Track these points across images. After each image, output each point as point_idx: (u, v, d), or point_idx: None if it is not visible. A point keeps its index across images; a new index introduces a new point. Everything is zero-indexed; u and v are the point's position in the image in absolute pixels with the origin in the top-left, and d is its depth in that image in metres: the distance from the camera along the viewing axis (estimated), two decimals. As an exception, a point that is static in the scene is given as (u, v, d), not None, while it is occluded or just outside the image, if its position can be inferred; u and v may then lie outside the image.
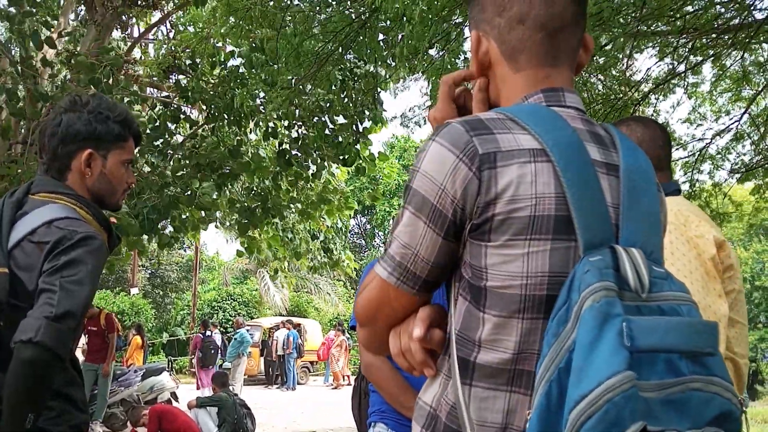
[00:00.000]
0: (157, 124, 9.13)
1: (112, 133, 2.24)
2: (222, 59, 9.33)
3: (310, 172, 9.83)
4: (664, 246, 1.17)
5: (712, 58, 7.81)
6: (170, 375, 13.50)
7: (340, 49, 6.83)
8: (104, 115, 2.22)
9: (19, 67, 7.97)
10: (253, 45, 8.19)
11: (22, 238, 2.04)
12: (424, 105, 8.04)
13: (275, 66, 7.29)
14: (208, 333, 17.75)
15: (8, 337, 1.90)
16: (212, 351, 17.03)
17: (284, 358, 22.05)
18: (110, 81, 7.57)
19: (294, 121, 9.34)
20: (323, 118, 9.34)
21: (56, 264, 1.97)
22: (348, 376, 23.11)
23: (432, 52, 6.84)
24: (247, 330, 19.47)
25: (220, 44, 9.15)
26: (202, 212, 9.75)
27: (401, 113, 8.71)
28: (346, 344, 22.63)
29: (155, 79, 10.13)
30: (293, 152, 9.61)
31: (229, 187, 9.87)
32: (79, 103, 2.22)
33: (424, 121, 8.22)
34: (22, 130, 8.22)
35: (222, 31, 7.18)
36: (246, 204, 10.16)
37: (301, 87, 7.91)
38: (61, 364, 1.94)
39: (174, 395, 12.59)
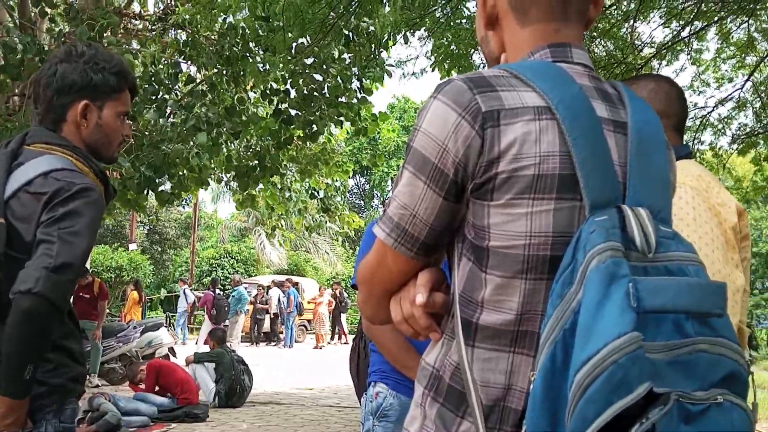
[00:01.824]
0: (153, 79, 9.03)
1: (108, 84, 2.20)
2: (221, 12, 9.21)
3: (311, 131, 9.75)
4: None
5: (717, 23, 7.73)
6: (168, 331, 13.58)
7: (343, 9, 6.74)
8: (100, 65, 2.18)
9: (18, 20, 7.88)
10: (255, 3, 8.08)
11: (18, 189, 2.02)
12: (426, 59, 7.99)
13: (275, 24, 7.20)
14: (218, 291, 18.01)
15: (6, 289, 1.90)
16: (225, 308, 17.36)
17: (280, 317, 22.21)
18: (106, 36, 7.48)
19: (296, 80, 9.24)
20: (325, 79, 9.25)
21: (54, 215, 1.96)
22: (346, 334, 23.24)
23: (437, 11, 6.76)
24: (245, 288, 19.60)
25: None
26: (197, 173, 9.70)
27: (399, 63, 8.67)
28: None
29: (153, 34, 10.01)
30: (293, 112, 9.54)
31: (227, 145, 9.82)
32: (74, 54, 2.18)
33: (422, 72, 8.17)
34: (19, 83, 8.14)
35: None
36: (244, 163, 10.12)
37: (304, 49, 7.83)
38: (59, 316, 1.94)
39: (171, 350, 12.68)
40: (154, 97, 8.75)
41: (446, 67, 7.08)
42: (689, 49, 8.38)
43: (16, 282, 1.87)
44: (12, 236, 1.97)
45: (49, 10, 7.95)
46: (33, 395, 1.94)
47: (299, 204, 12.36)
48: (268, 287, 23.16)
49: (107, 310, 13.41)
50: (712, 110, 9.23)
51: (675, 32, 7.90)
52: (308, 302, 23.08)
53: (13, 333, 1.86)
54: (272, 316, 22.60)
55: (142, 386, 9.33)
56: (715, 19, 7.47)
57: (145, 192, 9.13)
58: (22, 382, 1.88)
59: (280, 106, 9.56)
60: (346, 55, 8.91)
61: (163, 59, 9.49)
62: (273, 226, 13.22)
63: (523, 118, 1.12)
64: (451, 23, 6.49)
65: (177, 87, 9.84)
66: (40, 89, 2.17)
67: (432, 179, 1.16)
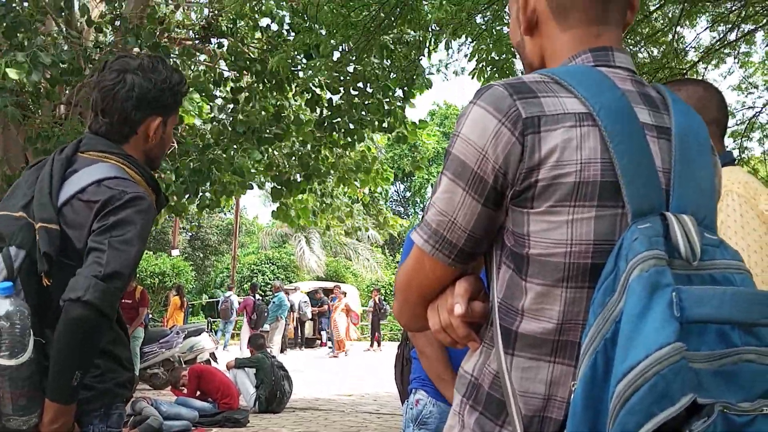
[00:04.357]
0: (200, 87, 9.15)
1: (176, 101, 2.29)
2: (261, 20, 9.30)
3: (352, 138, 9.76)
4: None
5: (766, 26, 7.59)
6: (209, 336, 13.71)
7: (387, 18, 6.74)
8: (172, 83, 2.24)
9: (64, 29, 8.04)
10: (294, 7, 8.16)
11: (71, 196, 2.05)
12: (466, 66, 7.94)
13: (319, 32, 7.24)
14: (258, 297, 18.12)
15: (56, 294, 1.93)
16: (265, 314, 17.52)
17: (301, 321, 22.25)
18: (155, 43, 7.60)
19: (337, 87, 9.29)
20: (366, 86, 9.27)
21: (105, 223, 1.98)
22: (380, 341, 23.00)
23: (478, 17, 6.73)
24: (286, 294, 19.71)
25: (262, 7, 9.12)
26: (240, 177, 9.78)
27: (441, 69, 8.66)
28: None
29: (197, 42, 10.13)
30: (335, 119, 9.57)
31: (269, 151, 9.89)
32: (148, 68, 2.20)
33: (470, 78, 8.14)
34: (66, 91, 8.29)
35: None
36: (285, 170, 10.18)
37: (346, 56, 7.86)
38: (108, 324, 1.97)
39: (213, 356, 12.80)
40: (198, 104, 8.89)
41: (487, 74, 7.05)
42: (737, 52, 8.24)
43: (66, 289, 1.90)
44: (64, 243, 2.00)
45: (94, 19, 8.10)
46: (80, 399, 1.96)
47: (342, 208, 12.39)
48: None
49: (150, 315, 13.57)
50: (761, 111, 9.08)
51: (722, 35, 7.77)
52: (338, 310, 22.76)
53: (62, 340, 1.89)
54: (295, 324, 22.57)
55: (184, 391, 9.42)
56: (763, 22, 7.34)
57: (187, 197, 9.24)
58: (70, 388, 1.91)
59: (322, 113, 9.61)
60: (386, 62, 8.92)
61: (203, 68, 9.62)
62: (327, 224, 13.20)
63: (564, 124, 1.11)
64: (494, 30, 6.45)
65: (219, 92, 9.95)
66: (112, 101, 2.17)
67: (471, 186, 1.15)
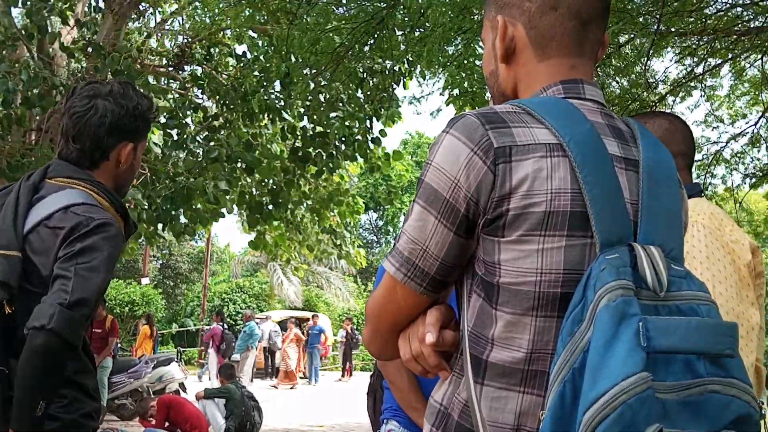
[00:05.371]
0: (173, 113, 9.12)
1: (147, 128, 2.29)
2: (234, 44, 9.32)
3: (326, 167, 9.77)
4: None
5: (731, 60, 7.74)
6: (179, 365, 13.52)
7: (358, 46, 6.77)
8: (142, 110, 2.24)
9: (36, 55, 8.00)
10: (268, 36, 8.19)
11: (38, 223, 2.03)
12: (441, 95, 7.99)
13: (290, 58, 7.25)
14: (226, 325, 17.85)
15: (21, 322, 1.90)
16: (233, 343, 17.33)
17: (271, 351, 21.94)
18: (126, 72, 7.58)
19: (311, 117, 9.31)
20: (339, 115, 9.31)
21: (72, 250, 1.96)
22: (351, 371, 22.77)
23: (450, 48, 6.79)
24: (257, 323, 19.48)
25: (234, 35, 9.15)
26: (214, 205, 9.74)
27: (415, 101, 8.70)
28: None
29: (171, 69, 10.13)
30: (308, 149, 9.57)
31: (241, 181, 9.86)
32: (119, 95, 2.20)
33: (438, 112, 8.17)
34: (37, 117, 8.23)
35: (236, 21, 7.15)
36: (257, 199, 10.15)
37: (318, 83, 7.87)
38: (73, 352, 1.94)
39: (182, 386, 12.61)
40: (170, 131, 8.86)
41: (460, 103, 7.11)
42: (703, 85, 8.38)
43: (31, 317, 1.87)
44: (29, 270, 1.97)
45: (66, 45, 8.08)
46: (45, 431, 1.92)
47: (312, 237, 12.34)
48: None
49: (119, 344, 13.37)
50: (725, 145, 9.22)
51: (689, 69, 7.91)
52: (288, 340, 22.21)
53: (25, 369, 1.85)
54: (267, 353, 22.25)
55: (153, 422, 9.27)
56: (729, 56, 7.49)
57: (160, 225, 9.16)
58: (34, 419, 1.87)
59: (295, 144, 9.62)
60: (359, 93, 8.97)
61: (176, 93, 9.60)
62: (287, 258, 13.17)
63: (535, 154, 1.12)
64: (465, 61, 6.51)
65: (193, 121, 9.92)
66: (84, 127, 2.16)
67: (443, 214, 1.16)
